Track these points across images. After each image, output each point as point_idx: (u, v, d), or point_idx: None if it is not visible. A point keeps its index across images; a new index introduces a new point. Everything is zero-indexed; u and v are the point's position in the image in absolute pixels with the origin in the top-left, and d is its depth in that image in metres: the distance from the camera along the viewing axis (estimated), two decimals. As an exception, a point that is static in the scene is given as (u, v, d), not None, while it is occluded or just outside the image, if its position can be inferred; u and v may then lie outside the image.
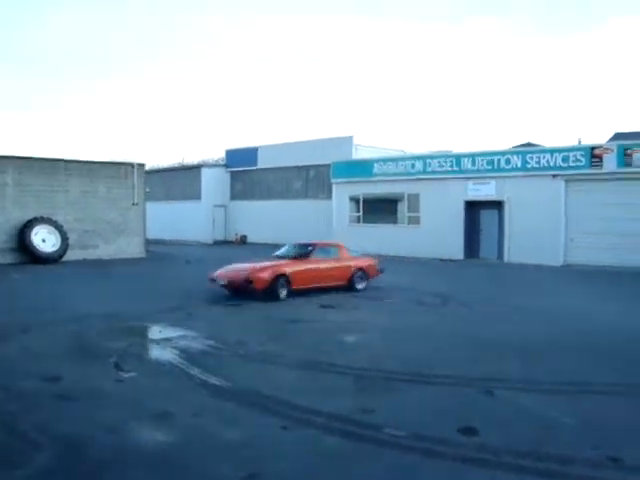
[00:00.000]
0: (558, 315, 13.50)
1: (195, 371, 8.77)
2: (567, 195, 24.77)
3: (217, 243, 39.60)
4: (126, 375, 8.68)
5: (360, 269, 17.43)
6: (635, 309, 14.32)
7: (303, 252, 17.02)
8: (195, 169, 43.03)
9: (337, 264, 17.00)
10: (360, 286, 17.20)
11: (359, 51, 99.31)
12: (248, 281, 14.92)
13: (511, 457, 5.71)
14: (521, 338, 11.01)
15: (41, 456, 5.74)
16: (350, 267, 17.23)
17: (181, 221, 41.36)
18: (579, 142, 29.09)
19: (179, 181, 43.25)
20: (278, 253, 17.63)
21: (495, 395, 7.70)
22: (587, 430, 6.46)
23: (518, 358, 9.57)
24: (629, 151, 23.17)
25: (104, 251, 27.81)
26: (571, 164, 24.56)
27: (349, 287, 16.92)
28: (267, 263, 15.98)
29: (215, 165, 44.19)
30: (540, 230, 24.91)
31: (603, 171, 23.75)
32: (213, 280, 15.79)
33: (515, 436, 6.26)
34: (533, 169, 25.64)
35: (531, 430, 6.44)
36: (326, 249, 17.53)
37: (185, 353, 9.83)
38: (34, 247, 24.97)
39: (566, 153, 24.83)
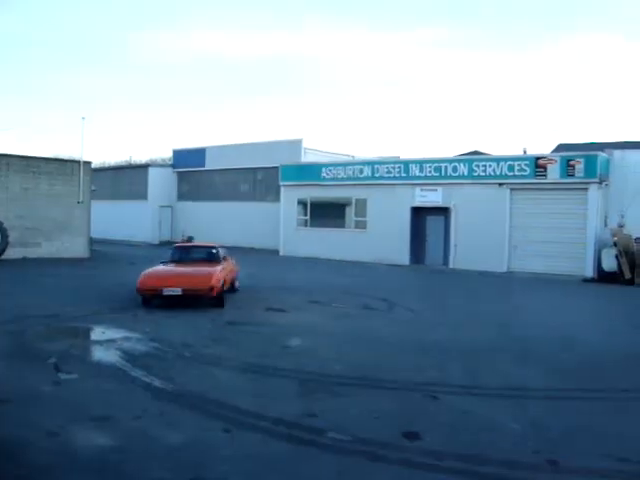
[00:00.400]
0: (500, 321, 13.72)
1: (138, 373, 8.61)
2: (512, 203, 25.21)
3: (163, 244, 39.11)
4: (66, 377, 8.47)
5: (236, 271, 17.49)
6: (572, 318, 14.66)
7: (212, 255, 16.40)
8: (142, 168, 42.47)
9: (228, 266, 16.41)
10: (237, 286, 17.26)
11: (312, 54, 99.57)
12: (210, 289, 13.88)
13: (454, 461, 5.75)
14: (465, 343, 11.14)
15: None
16: (234, 268, 17.17)
17: (127, 221, 40.73)
18: (524, 152, 29.67)
19: (126, 180, 42.61)
20: (175, 257, 16.31)
21: (439, 399, 7.76)
22: (529, 434, 6.55)
23: (462, 363, 9.67)
24: (572, 162, 23.71)
25: (46, 250, 27.16)
26: (516, 173, 25.01)
27: (231, 288, 16.39)
28: (212, 268, 14.84)
29: (162, 165, 43.70)
30: (485, 237, 25.30)
31: (547, 181, 24.25)
32: (151, 290, 14.02)
33: (459, 440, 6.31)
34: (479, 177, 26.02)
35: (474, 434, 6.50)
36: (222, 251, 17.12)
37: (128, 355, 9.66)
38: (-28, 244, 24.25)
39: (512, 162, 25.28)
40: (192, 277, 14.43)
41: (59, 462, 5.58)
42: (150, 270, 14.83)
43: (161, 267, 15.38)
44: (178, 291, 13.76)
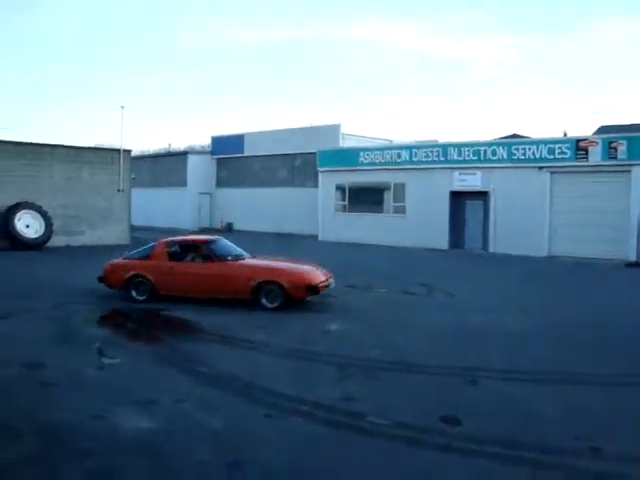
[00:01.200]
0: (540, 306, 13.58)
1: (179, 358, 8.75)
2: (552, 187, 24.86)
3: (203, 230, 39.45)
4: (109, 361, 8.64)
5: None
6: (615, 301, 14.45)
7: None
8: (181, 156, 42.81)
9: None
10: None
11: (349, 40, 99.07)
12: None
13: (494, 446, 5.74)
14: (505, 328, 11.06)
15: (23, 444, 5.71)
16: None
17: (167, 208, 41.16)
18: (564, 135, 29.19)
19: (165, 168, 43.00)
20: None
21: (479, 384, 7.74)
22: (569, 420, 6.51)
23: (502, 347, 9.61)
24: (614, 144, 23.26)
25: (89, 237, 27.63)
26: (557, 156, 24.62)
27: None
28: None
29: (201, 152, 44.02)
30: (525, 221, 25.02)
31: (588, 163, 23.84)
32: None
33: (498, 425, 6.30)
34: (519, 160, 25.68)
35: (514, 419, 6.48)
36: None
37: (170, 340, 9.80)
38: (17, 233, 24.75)
39: (552, 145, 24.89)
40: None
41: (105, 444, 5.72)
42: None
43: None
44: None
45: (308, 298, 13.04)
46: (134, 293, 13.36)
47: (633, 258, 22.55)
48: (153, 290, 13.27)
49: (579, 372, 8.35)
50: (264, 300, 12.55)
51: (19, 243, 24.63)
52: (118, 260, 14.15)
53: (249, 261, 13.66)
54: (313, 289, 12.64)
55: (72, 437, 5.89)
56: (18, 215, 24.94)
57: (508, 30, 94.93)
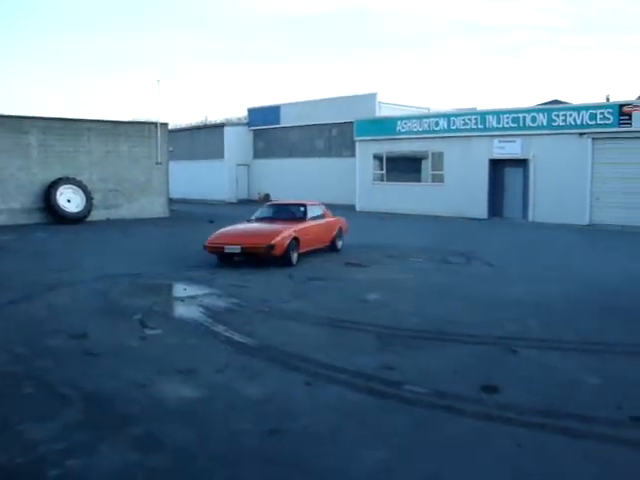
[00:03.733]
0: (582, 275, 13.41)
1: (220, 328, 8.86)
2: (594, 153, 24.37)
3: (241, 202, 39.67)
4: (151, 332, 8.79)
5: (340, 228, 17.19)
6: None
7: (297, 213, 15.96)
8: (218, 128, 42.91)
9: (325, 224, 16.55)
10: (339, 245, 17.05)
11: (384, 8, 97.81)
12: (270, 247, 13.71)
13: (534, 415, 5.72)
14: (546, 297, 10.96)
15: (70, 410, 5.86)
16: (334, 226, 16.96)
17: (204, 180, 41.43)
18: (607, 99, 28.51)
19: (202, 140, 43.19)
20: (259, 215, 16.27)
21: (519, 353, 7.70)
22: (610, 390, 6.44)
23: (542, 317, 9.53)
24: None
25: (128, 211, 27.98)
26: (599, 122, 24.12)
27: (331, 247, 16.66)
28: (278, 226, 14.71)
29: (238, 124, 44.07)
30: (566, 189, 24.64)
31: (632, 129, 23.29)
32: (215, 248, 14.19)
33: (538, 395, 6.26)
34: (559, 127, 25.22)
35: (554, 388, 6.44)
36: (314, 209, 16.58)
37: (209, 311, 9.92)
38: (59, 207, 25.19)
39: (593, 111, 24.36)
40: (254, 236, 14.43)
41: (147, 412, 5.84)
42: (223, 229, 15.09)
43: (238, 225, 15.59)
44: (237, 249, 13.88)
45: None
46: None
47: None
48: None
49: (622, 342, 8.23)
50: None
51: (61, 217, 25.07)
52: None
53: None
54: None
55: (116, 404, 6.02)
56: (60, 190, 25.37)
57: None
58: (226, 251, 13.96)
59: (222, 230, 14.92)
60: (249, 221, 15.92)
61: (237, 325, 9.01)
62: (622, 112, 23.50)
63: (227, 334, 8.55)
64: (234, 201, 39.80)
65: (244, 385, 6.54)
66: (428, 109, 34.11)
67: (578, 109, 25.09)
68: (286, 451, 5.08)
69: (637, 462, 4.92)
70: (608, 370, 7.10)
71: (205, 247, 14.24)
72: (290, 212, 16.11)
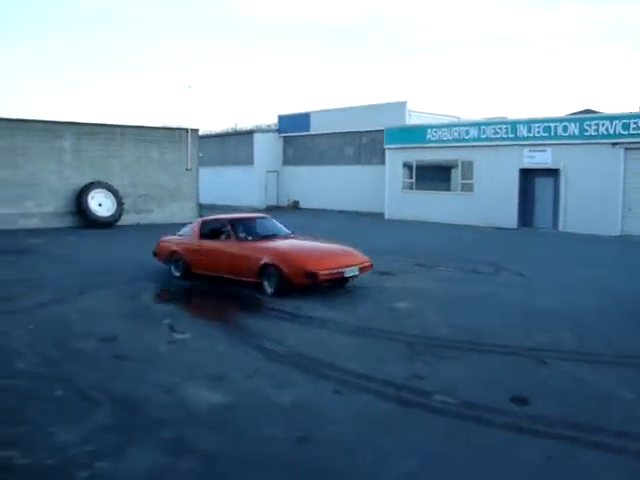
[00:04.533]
0: (612, 287, 13.22)
1: (248, 334, 8.88)
2: (626, 164, 24.05)
3: (270, 208, 39.77)
4: (180, 337, 8.84)
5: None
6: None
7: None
8: (248, 135, 43.12)
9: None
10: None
11: (414, 17, 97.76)
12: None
13: (564, 428, 5.66)
14: (576, 308, 10.82)
15: (99, 413, 5.92)
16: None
17: (234, 186, 41.63)
18: (640, 109, 28.17)
19: (232, 146, 43.42)
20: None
21: (549, 365, 7.62)
22: (645, 403, 6.35)
23: (573, 328, 9.41)
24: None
25: (158, 215, 28.18)
26: (632, 132, 23.80)
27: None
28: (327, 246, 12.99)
29: (268, 130, 44.25)
30: (597, 199, 24.31)
31: (666, 139, 22.97)
32: (333, 275, 11.70)
33: (569, 407, 6.19)
34: (591, 137, 24.93)
35: (586, 402, 6.37)
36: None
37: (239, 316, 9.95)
38: (91, 211, 25.47)
39: (626, 120, 24.05)
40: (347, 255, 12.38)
41: (176, 416, 5.87)
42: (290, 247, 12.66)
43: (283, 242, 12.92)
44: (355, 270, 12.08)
45: (362, 278, 12.64)
46: (173, 269, 13.68)
47: None
48: (187, 268, 13.35)
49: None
50: (265, 283, 11.77)
51: (93, 221, 25.35)
52: (165, 237, 14.61)
53: (263, 242, 12.61)
54: (312, 276, 11.32)
55: (146, 408, 6.07)
56: (91, 194, 25.66)
57: (581, 3, 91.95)
58: (346, 275, 11.91)
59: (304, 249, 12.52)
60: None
61: (267, 332, 9.03)
62: (656, 122, 23.19)
63: (256, 341, 8.57)
64: (263, 207, 39.90)
65: (273, 392, 6.54)
66: (458, 118, 33.95)
67: (610, 119, 24.78)
68: (314, 459, 5.08)
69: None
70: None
71: (316, 275, 11.40)
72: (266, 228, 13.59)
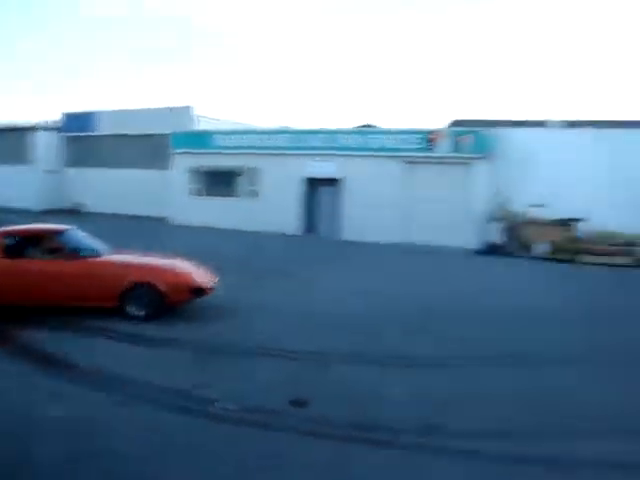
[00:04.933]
0: (387, 289, 14.00)
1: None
2: (405, 176, 25.68)
3: (48, 212, 37.52)
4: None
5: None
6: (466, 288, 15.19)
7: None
8: (26, 131, 40.49)
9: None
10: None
11: (205, 22, 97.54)
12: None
13: (343, 428, 5.99)
14: (353, 313, 11.34)
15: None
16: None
17: (6, 186, 38.71)
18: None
19: (7, 143, 40.57)
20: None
21: (329, 368, 7.95)
22: (414, 401, 6.86)
23: (349, 332, 9.85)
24: (459, 137, 24.51)
25: None
26: (410, 146, 25.52)
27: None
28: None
29: (49, 128, 41.82)
30: (377, 209, 25.67)
31: (436, 154, 24.92)
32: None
33: (347, 408, 6.55)
34: (373, 149, 26.38)
35: (363, 402, 6.76)
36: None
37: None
38: None
39: (405, 136, 25.78)
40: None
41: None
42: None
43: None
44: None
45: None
46: None
47: (474, 246, 23.65)
48: None
49: (421, 355, 8.77)
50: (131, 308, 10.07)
51: None
52: None
53: (116, 257, 10.86)
54: (198, 292, 10.47)
55: None
56: None
57: (366, 15, 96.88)
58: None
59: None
60: None
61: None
62: (429, 138, 25.09)
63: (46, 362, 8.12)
64: (39, 210, 37.28)
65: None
66: (246, 125, 34.40)
67: (391, 133, 26.43)
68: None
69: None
70: (412, 382, 7.53)
71: (203, 291, 10.63)
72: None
